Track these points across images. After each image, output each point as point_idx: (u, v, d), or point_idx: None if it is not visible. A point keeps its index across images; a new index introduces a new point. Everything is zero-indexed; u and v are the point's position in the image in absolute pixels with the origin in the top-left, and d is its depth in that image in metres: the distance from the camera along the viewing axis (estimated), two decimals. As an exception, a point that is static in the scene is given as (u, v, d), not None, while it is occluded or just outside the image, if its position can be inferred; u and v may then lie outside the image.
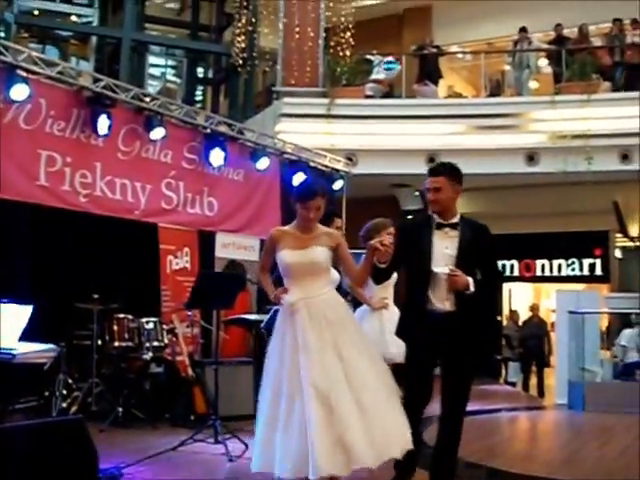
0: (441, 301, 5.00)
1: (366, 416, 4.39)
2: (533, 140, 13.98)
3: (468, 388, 5.07)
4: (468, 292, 4.91)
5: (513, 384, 15.71)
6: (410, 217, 5.05)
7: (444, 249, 5.01)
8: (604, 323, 15.07)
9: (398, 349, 7.24)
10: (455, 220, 5.10)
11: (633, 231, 16.18)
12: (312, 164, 11.94)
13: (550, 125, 13.96)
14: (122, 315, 8.44)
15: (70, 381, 8.07)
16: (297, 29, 14.64)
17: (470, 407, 5.05)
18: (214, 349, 8.46)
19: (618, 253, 17.43)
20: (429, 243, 5.02)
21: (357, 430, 4.34)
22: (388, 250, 4.54)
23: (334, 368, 4.49)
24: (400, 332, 5.41)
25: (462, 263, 4.94)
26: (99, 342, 8.29)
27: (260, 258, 5.15)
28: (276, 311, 8.02)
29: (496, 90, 16.26)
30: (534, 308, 15.93)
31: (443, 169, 5.16)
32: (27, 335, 7.16)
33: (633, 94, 14.15)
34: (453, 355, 5.00)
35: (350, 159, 13.41)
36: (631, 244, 16.75)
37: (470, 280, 4.89)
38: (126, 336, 8.42)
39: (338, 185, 12.46)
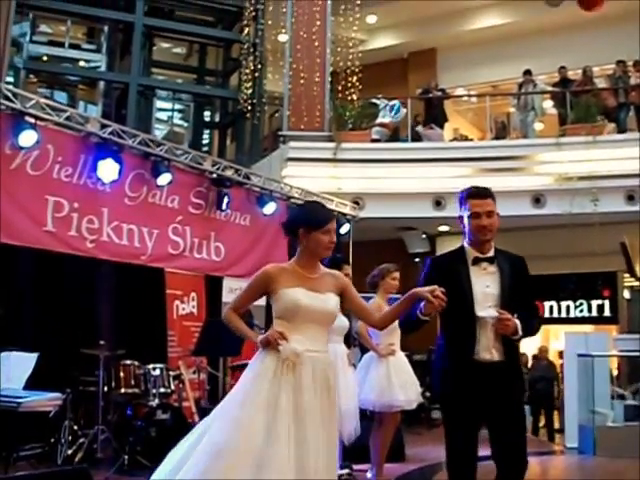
0: (487, 350, 4.33)
1: None
2: (539, 182, 13.99)
3: (526, 446, 4.42)
4: (516, 337, 4.32)
5: (522, 427, 15.55)
6: (440, 254, 4.33)
7: (485, 288, 4.37)
8: (614, 365, 14.95)
9: (405, 396, 7.23)
10: (491, 253, 4.47)
11: (641, 272, 16.09)
12: (319, 208, 11.94)
13: (556, 167, 13.97)
14: (128, 361, 8.39)
15: (76, 428, 8.01)
16: (303, 74, 14.75)
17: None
18: (221, 395, 8.41)
19: (626, 294, 17.34)
20: (468, 282, 4.37)
21: None
22: (442, 303, 3.96)
23: (320, 448, 3.92)
24: (438, 390, 4.57)
25: (507, 303, 4.33)
26: (105, 388, 8.24)
27: (237, 297, 4.46)
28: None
29: (502, 132, 16.32)
30: (542, 350, 15.82)
31: (489, 191, 4.53)
32: (33, 381, 7.15)
33: (638, 135, 14.21)
34: (505, 413, 4.35)
35: (357, 203, 13.44)
36: (639, 284, 16.67)
37: (518, 323, 4.28)
38: (132, 382, 8.36)
39: (345, 229, 12.48)
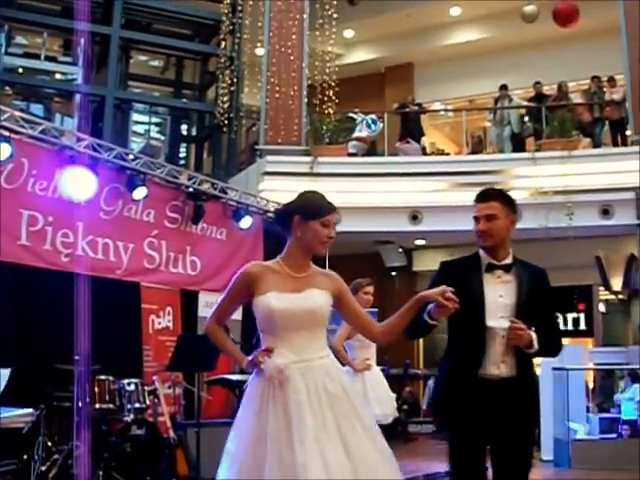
0: (495, 364, 3.98)
1: None
2: (515, 196, 13.82)
3: (529, 471, 4.09)
4: (531, 351, 3.94)
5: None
6: (453, 258, 4.01)
7: (498, 297, 4.02)
8: (590, 378, 15.04)
9: (382, 411, 7.21)
10: (509, 261, 4.13)
11: (616, 285, 16.19)
12: (295, 222, 11.97)
13: (531, 181, 14.04)
14: (103, 376, 8.31)
15: (50, 444, 7.92)
16: (280, 88, 14.76)
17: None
18: (196, 410, 8.37)
19: (602, 307, 17.48)
20: (480, 289, 4.02)
21: None
22: (455, 305, 3.54)
23: (338, 464, 3.38)
24: (439, 407, 4.28)
25: (522, 315, 3.95)
26: (79, 404, 8.16)
27: (218, 305, 3.88)
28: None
29: (478, 147, 16.41)
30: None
31: (495, 192, 4.24)
32: (6, 397, 7.07)
33: (612, 150, 14.35)
34: (510, 432, 3.99)
35: (333, 217, 13.42)
36: (614, 298, 16.79)
37: (534, 336, 3.91)
38: (107, 398, 8.26)
39: (321, 243, 12.49)
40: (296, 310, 3.60)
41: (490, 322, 3.97)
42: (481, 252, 4.17)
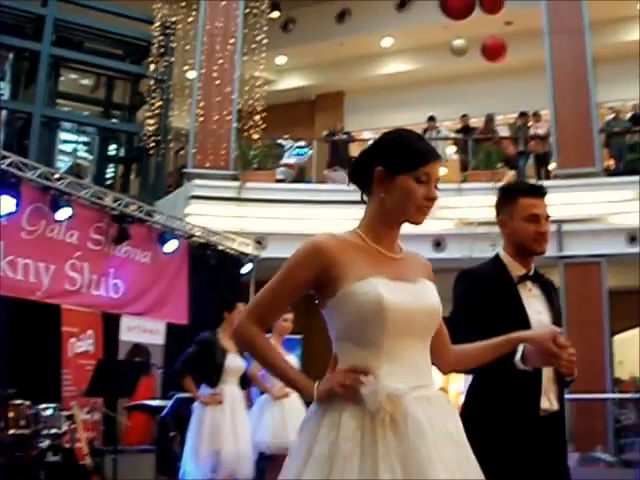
0: (546, 395, 3.29)
1: None
2: (440, 227, 14.20)
3: None
4: (572, 378, 3.20)
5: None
6: (474, 267, 3.49)
7: (538, 315, 3.33)
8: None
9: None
10: (532, 272, 3.45)
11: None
12: (221, 247, 11.93)
13: (456, 212, 14.23)
14: (19, 401, 8.12)
15: (-39, 472, 7.72)
16: (210, 111, 14.72)
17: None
18: (115, 436, 8.25)
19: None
20: (520, 306, 3.31)
21: None
22: (572, 359, 2.72)
23: None
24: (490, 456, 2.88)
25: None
26: (-7, 429, 7.96)
27: (262, 296, 2.51)
28: (180, 399, 7.92)
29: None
30: (442, 390, 15.96)
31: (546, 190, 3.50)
32: None
33: (536, 183, 14.64)
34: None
35: (259, 242, 13.41)
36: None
37: None
38: (22, 423, 8.06)
39: (247, 269, 12.48)
40: (414, 308, 2.40)
41: None
42: (505, 258, 3.47)
